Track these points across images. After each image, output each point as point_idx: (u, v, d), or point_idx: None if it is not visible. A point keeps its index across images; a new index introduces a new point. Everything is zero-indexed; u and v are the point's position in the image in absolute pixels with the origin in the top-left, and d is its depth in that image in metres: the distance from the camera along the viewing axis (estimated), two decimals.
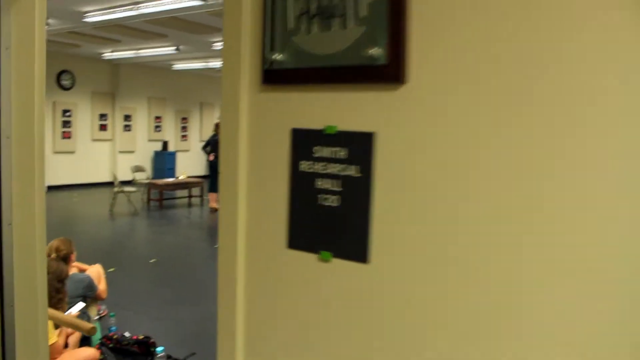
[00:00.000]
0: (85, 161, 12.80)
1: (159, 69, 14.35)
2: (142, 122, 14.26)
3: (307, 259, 1.20)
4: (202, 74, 15.45)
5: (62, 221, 8.97)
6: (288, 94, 1.22)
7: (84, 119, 12.78)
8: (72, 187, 12.25)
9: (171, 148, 14.89)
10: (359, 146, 1.11)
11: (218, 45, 9.43)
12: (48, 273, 1.97)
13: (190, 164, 15.63)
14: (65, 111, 12.29)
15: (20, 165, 1.83)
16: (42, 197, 1.84)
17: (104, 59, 12.54)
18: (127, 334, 3.55)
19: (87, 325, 2.42)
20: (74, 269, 3.88)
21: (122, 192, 9.34)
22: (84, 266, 4.09)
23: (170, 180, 10.57)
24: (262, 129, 1.26)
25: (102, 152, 13.29)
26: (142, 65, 13.59)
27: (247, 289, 1.31)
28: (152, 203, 10.49)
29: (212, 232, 8.51)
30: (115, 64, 13.17)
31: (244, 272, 1.30)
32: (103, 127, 13.25)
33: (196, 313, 4.68)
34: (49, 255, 3.33)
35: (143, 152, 14.37)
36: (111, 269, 5.70)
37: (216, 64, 11.92)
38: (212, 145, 9.81)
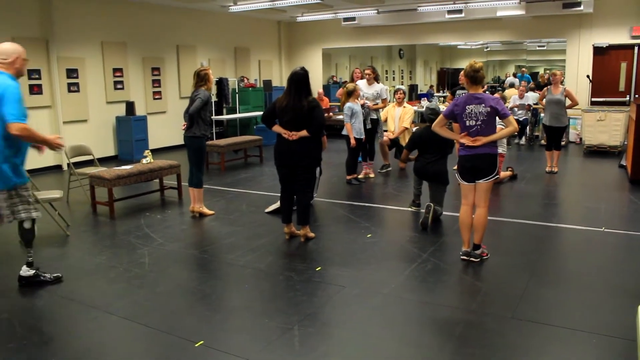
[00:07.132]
0: None
1: (113, 2, 10.18)
2: (94, 78, 10.20)
3: None
4: (176, 7, 11.23)
5: None
6: None
7: None
8: None
9: (140, 111, 10.89)
10: None
11: None
12: None
13: (167, 132, 11.63)
14: None
15: None
16: None
17: None
18: None
19: None
20: None
21: (32, 199, 5.43)
22: None
23: (126, 169, 6.63)
24: None
25: (39, 125, 9.29)
26: None
27: None
28: (98, 208, 6.63)
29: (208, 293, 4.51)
30: None
31: None
32: (36, 89, 9.22)
33: None
34: None
35: (99, 120, 10.37)
36: None
37: None
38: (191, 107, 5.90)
